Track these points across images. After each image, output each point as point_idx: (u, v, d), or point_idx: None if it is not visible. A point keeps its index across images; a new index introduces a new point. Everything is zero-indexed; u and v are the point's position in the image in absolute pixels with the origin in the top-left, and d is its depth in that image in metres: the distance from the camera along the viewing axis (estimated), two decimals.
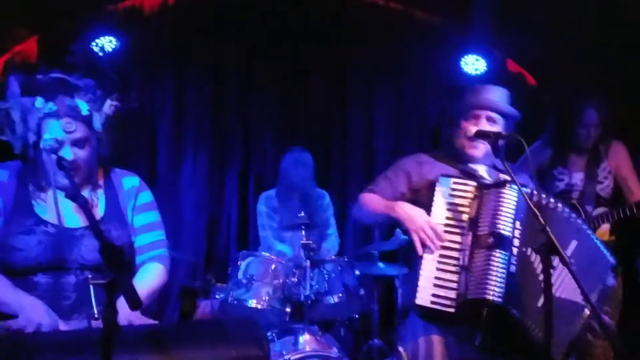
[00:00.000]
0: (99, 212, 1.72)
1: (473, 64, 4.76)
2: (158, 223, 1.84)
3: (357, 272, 3.31)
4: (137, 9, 4.50)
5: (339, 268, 3.21)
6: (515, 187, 1.97)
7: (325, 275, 3.13)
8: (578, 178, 2.97)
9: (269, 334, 3.07)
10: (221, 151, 4.69)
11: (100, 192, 1.74)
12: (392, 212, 2.13)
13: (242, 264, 3.12)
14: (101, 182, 1.77)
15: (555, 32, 4.08)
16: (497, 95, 2.28)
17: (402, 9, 4.80)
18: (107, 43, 4.30)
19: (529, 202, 1.89)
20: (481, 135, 2.13)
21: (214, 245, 4.50)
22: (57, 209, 1.54)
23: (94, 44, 4.22)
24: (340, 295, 3.15)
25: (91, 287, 1.41)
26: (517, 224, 1.97)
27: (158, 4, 4.55)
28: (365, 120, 4.97)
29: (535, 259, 1.95)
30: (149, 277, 1.76)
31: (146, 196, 1.83)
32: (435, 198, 2.07)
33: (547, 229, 1.82)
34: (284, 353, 2.76)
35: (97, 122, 1.68)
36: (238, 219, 4.56)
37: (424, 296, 1.96)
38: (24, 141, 1.64)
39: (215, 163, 4.67)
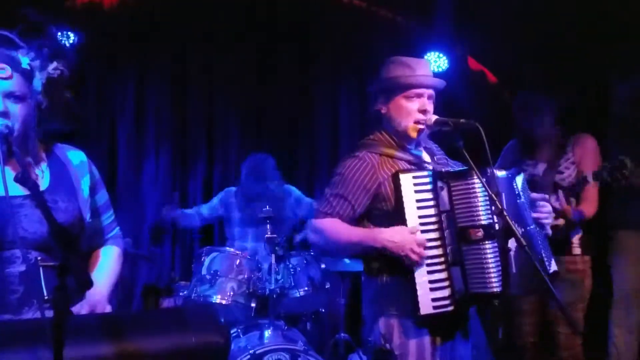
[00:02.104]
0: (43, 184, 1.59)
1: (435, 62, 4.84)
2: (109, 200, 1.78)
3: (322, 266, 3.30)
4: (95, 5, 4.42)
5: (305, 262, 3.21)
6: (475, 173, 1.97)
7: (291, 270, 3.13)
8: (541, 168, 3.05)
9: (234, 330, 3.05)
10: (184, 150, 4.64)
11: (44, 166, 1.62)
12: (374, 242, 1.97)
13: (206, 260, 3.09)
14: (43, 155, 1.64)
15: (515, 29, 4.17)
16: (430, 69, 2.19)
17: (366, 7, 4.84)
18: (64, 39, 4.20)
19: (488, 189, 1.92)
20: (441, 123, 2.08)
21: (178, 244, 4.45)
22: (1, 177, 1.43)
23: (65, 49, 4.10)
24: (305, 289, 3.14)
25: (41, 269, 1.35)
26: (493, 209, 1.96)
27: (117, 1, 4.48)
28: (330, 117, 4.99)
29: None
30: (114, 261, 1.73)
31: (97, 172, 1.75)
32: (404, 199, 1.97)
33: (504, 213, 1.87)
34: (249, 348, 2.75)
35: (38, 80, 1.54)
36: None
37: (426, 304, 1.90)
38: None
39: (178, 161, 4.61)
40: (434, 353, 1.98)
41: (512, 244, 1.94)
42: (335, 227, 2.04)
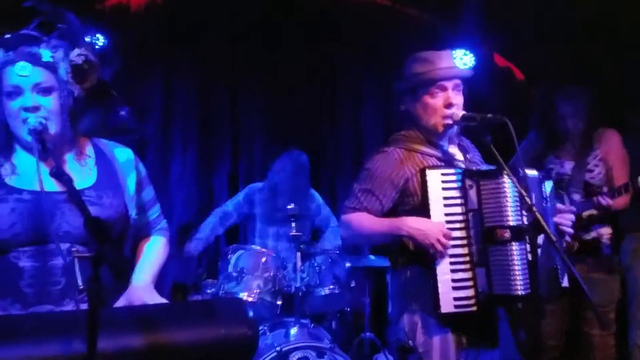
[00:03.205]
0: (89, 180, 1.63)
1: (461, 59, 4.79)
2: (156, 195, 1.83)
3: (347, 264, 3.30)
4: (123, 6, 4.49)
5: (330, 260, 3.21)
6: (506, 172, 1.95)
7: (316, 268, 3.13)
8: (568, 167, 2.99)
9: (260, 327, 3.06)
10: (210, 149, 4.68)
11: (91, 162, 1.66)
12: (399, 231, 1.98)
13: (232, 258, 3.11)
14: (88, 151, 1.68)
15: (542, 26, 4.11)
16: (453, 60, 2.17)
17: (391, 4, 4.82)
18: (94, 40, 4.28)
19: (518, 187, 1.90)
20: (468, 118, 2.05)
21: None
22: (33, 173, 1.45)
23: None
24: (331, 287, 3.14)
25: (76, 260, 1.38)
26: (523, 211, 1.94)
27: (144, 2, 4.54)
28: (355, 118, 4.98)
29: None
30: (159, 250, 1.77)
31: (143, 169, 1.79)
32: (430, 196, 1.96)
33: (534, 208, 1.84)
34: (275, 345, 2.76)
35: (63, 70, 1.56)
36: None
37: (447, 302, 1.90)
38: None
39: (204, 161, 4.65)
40: (458, 352, 1.96)
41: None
42: (362, 220, 2.05)
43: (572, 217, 2.12)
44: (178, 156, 4.62)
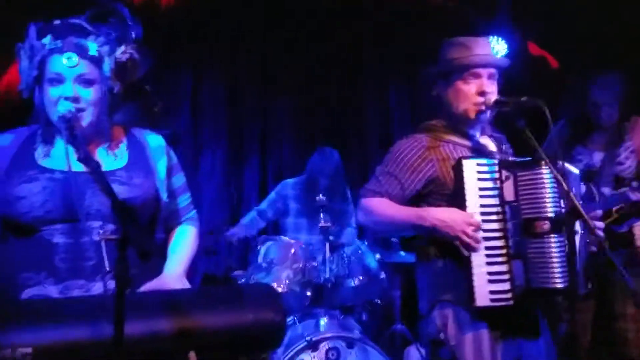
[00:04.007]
0: (121, 162, 1.66)
1: (494, 47, 4.68)
2: (186, 183, 1.84)
3: (377, 256, 3.27)
4: (154, 2, 4.54)
5: (359, 252, 3.19)
6: (543, 162, 1.87)
7: (345, 259, 3.11)
8: (598, 158, 2.88)
9: (290, 318, 3.07)
10: (239, 145, 4.70)
11: (124, 146, 1.69)
12: (423, 221, 1.89)
13: (262, 249, 3.12)
14: (122, 139, 1.71)
15: (577, 14, 3.99)
16: (490, 47, 2.09)
17: None
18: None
19: (556, 174, 1.83)
20: (501, 103, 1.98)
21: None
22: (66, 155, 1.48)
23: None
24: (360, 278, 3.12)
25: (103, 242, 1.39)
26: (561, 202, 1.87)
27: None
28: (382, 110, 4.93)
29: None
30: (190, 240, 1.78)
31: (174, 156, 1.81)
32: (465, 187, 1.87)
33: (571, 194, 1.77)
34: (305, 335, 2.75)
35: (107, 65, 1.59)
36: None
37: (483, 296, 1.82)
38: (28, 80, 1.58)
39: (234, 157, 4.68)
40: (494, 347, 1.89)
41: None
42: (384, 206, 1.97)
43: (602, 224, 2.03)
44: (207, 154, 4.66)
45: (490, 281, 1.85)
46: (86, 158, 1.38)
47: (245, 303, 1.42)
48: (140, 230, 1.59)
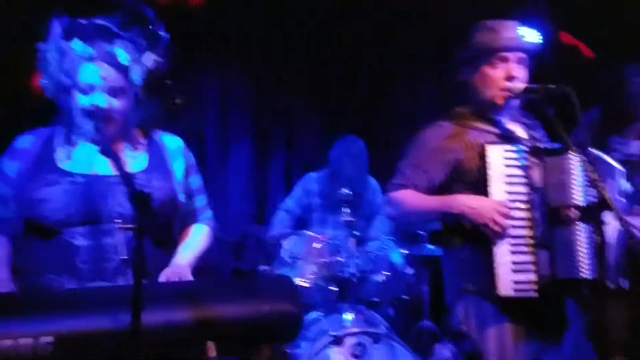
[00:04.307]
0: (140, 165, 1.68)
1: (523, 32, 4.56)
2: (203, 185, 1.85)
3: (403, 251, 3.23)
4: (181, 1, 4.59)
5: (385, 247, 3.16)
6: (572, 149, 1.82)
7: (370, 254, 3.09)
8: (636, 146, 2.78)
9: (315, 313, 3.06)
10: (265, 140, 4.73)
11: (143, 149, 1.71)
12: (451, 209, 1.86)
13: (286, 243, 3.12)
14: (142, 141, 1.73)
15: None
16: (519, 31, 2.03)
17: None
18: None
19: (586, 164, 1.77)
20: (530, 91, 1.92)
21: (261, 230, 4.54)
22: (89, 159, 1.51)
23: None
24: (386, 273, 3.09)
25: (120, 232, 1.41)
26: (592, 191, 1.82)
27: None
28: (409, 101, 4.88)
29: None
30: (202, 238, 1.79)
31: (192, 157, 1.83)
32: (490, 172, 1.82)
33: (600, 185, 1.72)
34: (330, 330, 2.74)
35: (136, 74, 1.61)
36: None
37: (506, 285, 1.77)
38: (57, 85, 1.61)
39: (260, 152, 4.71)
40: (517, 340, 1.84)
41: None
42: (411, 197, 1.95)
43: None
44: (234, 149, 4.70)
45: (515, 271, 1.80)
46: (107, 150, 1.40)
47: (262, 294, 1.42)
48: (156, 220, 1.61)
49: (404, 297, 3.32)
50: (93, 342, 1.25)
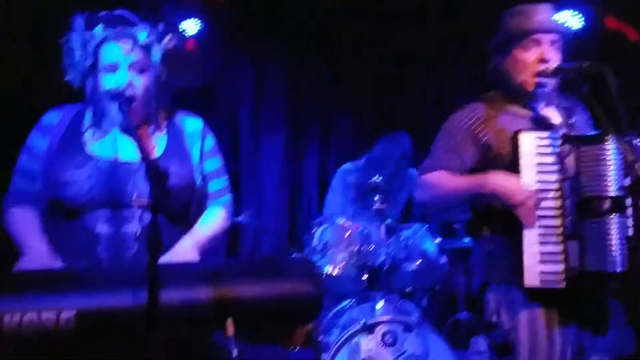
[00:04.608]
0: (159, 149, 1.70)
1: (567, 21, 4.40)
2: (223, 168, 1.85)
3: (437, 240, 3.18)
4: None
5: (417, 235, 3.11)
6: (610, 137, 1.73)
7: (403, 243, 3.04)
8: None
9: (347, 302, 3.04)
10: (300, 128, 4.74)
11: (162, 134, 1.73)
12: (483, 187, 1.80)
13: (317, 231, 3.11)
14: (163, 124, 1.75)
15: None
16: (552, 14, 1.95)
17: None
18: (192, 25, 4.44)
19: (624, 153, 1.69)
20: (563, 70, 1.84)
21: (296, 219, 4.57)
22: (114, 145, 1.53)
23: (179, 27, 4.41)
24: (418, 262, 3.04)
25: (135, 209, 1.42)
26: (627, 180, 1.74)
27: None
28: (447, 95, 4.79)
29: None
30: (213, 220, 1.78)
31: (212, 140, 1.82)
32: (521, 161, 1.77)
33: (637, 166, 1.63)
34: (361, 318, 2.72)
35: (156, 53, 1.65)
36: (318, 193, 4.59)
37: (532, 276, 1.73)
38: (82, 70, 1.65)
39: (295, 140, 4.72)
40: (550, 326, 1.78)
41: None
42: (442, 179, 1.90)
43: None
44: (270, 137, 4.72)
45: (542, 261, 1.74)
46: (128, 128, 1.42)
47: (283, 275, 1.41)
48: (173, 203, 1.63)
49: (437, 287, 3.27)
50: (114, 318, 1.27)
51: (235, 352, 1.26)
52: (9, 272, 1.37)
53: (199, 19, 4.47)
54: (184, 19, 4.41)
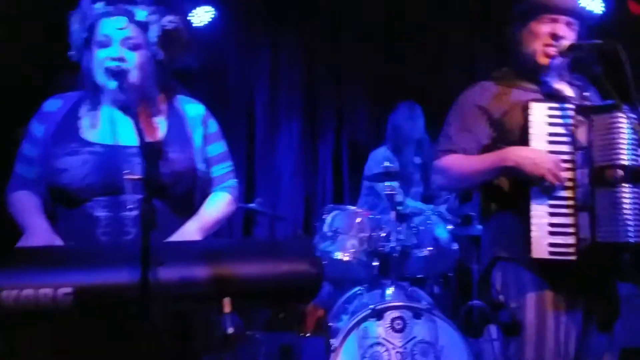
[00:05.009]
0: (159, 134, 1.68)
1: (588, 6, 4.30)
2: (227, 153, 1.83)
3: (449, 227, 3.14)
4: None
5: (429, 221, 3.08)
6: (622, 107, 1.70)
7: (414, 229, 3.02)
8: None
9: (358, 288, 3.03)
10: (315, 116, 4.73)
11: (162, 118, 1.72)
12: (505, 162, 1.77)
13: (328, 218, 3.10)
14: (163, 107, 1.74)
15: None
16: None
17: None
18: (204, 13, 4.46)
19: (636, 125, 1.65)
20: (576, 48, 1.82)
21: (311, 206, 4.57)
22: (112, 129, 1.53)
23: (191, 14, 4.42)
24: (430, 249, 3.01)
25: (126, 183, 1.41)
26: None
27: None
28: (465, 80, 4.72)
29: None
30: (217, 205, 1.77)
31: (214, 125, 1.81)
32: (531, 131, 1.75)
33: None
34: (370, 304, 2.71)
35: (154, 32, 1.64)
36: (333, 181, 4.58)
37: (540, 247, 1.70)
38: (79, 44, 1.64)
39: (310, 128, 4.72)
40: (558, 312, 1.75)
41: None
42: (460, 161, 1.87)
43: None
44: (285, 126, 4.72)
45: (552, 233, 1.72)
46: (126, 107, 1.41)
47: (281, 254, 1.40)
48: (176, 189, 1.62)
49: (449, 274, 3.24)
50: (111, 294, 1.27)
51: (231, 330, 1.25)
52: (7, 249, 1.38)
53: (214, 5, 4.49)
54: (199, 4, 4.44)
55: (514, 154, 1.77)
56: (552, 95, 1.88)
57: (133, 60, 1.63)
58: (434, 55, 4.74)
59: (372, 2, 4.64)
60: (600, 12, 4.28)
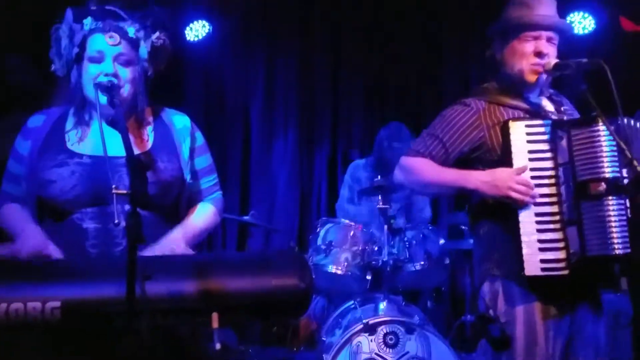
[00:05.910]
0: (147, 144, 1.69)
1: (580, 23, 4.35)
2: (213, 165, 1.84)
3: (441, 241, 3.15)
4: None
5: (421, 236, 3.09)
6: (601, 120, 1.71)
7: (406, 243, 3.02)
8: None
9: (351, 302, 3.03)
10: (310, 128, 4.75)
11: (150, 129, 1.73)
12: (465, 183, 1.82)
13: (321, 231, 3.10)
14: (150, 119, 1.75)
15: None
16: (554, 9, 1.94)
17: None
18: (200, 27, 4.49)
19: (616, 137, 1.67)
20: (562, 67, 1.83)
21: (306, 219, 4.57)
22: (100, 138, 1.52)
23: (188, 28, 4.46)
24: (422, 263, 3.02)
25: (114, 197, 1.42)
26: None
27: None
28: (460, 91, 4.75)
29: None
30: (203, 216, 1.78)
31: (201, 137, 1.82)
32: (513, 150, 1.77)
33: (635, 162, 1.60)
34: (363, 318, 2.70)
35: (144, 48, 1.66)
36: (328, 193, 4.59)
37: (533, 265, 1.71)
38: (67, 60, 1.65)
39: (305, 140, 4.73)
40: (547, 324, 1.76)
41: None
42: (425, 167, 1.90)
43: None
44: (280, 134, 4.74)
45: (542, 249, 1.72)
46: (115, 120, 1.42)
47: (270, 268, 1.41)
48: (163, 200, 1.63)
49: (442, 288, 3.24)
50: (99, 308, 1.28)
51: (218, 345, 1.25)
52: None
53: (210, 19, 4.52)
54: (195, 18, 4.47)
55: (475, 178, 1.81)
56: (535, 112, 1.90)
57: (126, 76, 1.65)
58: (430, 66, 4.77)
59: (369, 14, 4.68)
60: (591, 29, 4.33)
